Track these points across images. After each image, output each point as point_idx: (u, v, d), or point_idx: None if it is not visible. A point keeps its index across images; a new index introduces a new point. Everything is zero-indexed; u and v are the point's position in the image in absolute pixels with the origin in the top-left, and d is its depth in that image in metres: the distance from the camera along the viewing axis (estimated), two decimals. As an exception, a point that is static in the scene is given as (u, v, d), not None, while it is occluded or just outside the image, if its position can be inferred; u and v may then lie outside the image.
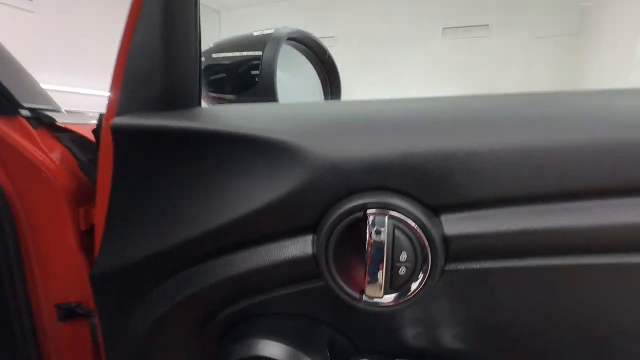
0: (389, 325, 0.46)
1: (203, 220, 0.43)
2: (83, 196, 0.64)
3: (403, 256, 0.36)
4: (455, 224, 0.37)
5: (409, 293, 0.37)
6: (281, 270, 0.43)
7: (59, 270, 0.65)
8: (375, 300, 0.38)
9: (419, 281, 0.37)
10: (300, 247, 0.41)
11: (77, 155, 0.64)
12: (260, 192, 0.41)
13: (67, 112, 0.71)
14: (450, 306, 0.43)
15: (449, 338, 0.45)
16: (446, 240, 0.37)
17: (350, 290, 0.39)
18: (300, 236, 0.42)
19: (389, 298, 0.38)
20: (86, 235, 0.65)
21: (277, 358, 0.42)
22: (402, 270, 0.36)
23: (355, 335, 0.49)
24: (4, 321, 0.65)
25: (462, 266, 0.40)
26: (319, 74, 0.77)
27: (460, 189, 0.36)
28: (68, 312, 0.65)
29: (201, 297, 0.46)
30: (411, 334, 0.46)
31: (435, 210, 0.38)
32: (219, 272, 0.45)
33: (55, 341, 0.66)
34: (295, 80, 0.70)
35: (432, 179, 0.36)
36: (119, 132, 0.45)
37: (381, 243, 0.36)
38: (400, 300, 0.37)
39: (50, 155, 0.60)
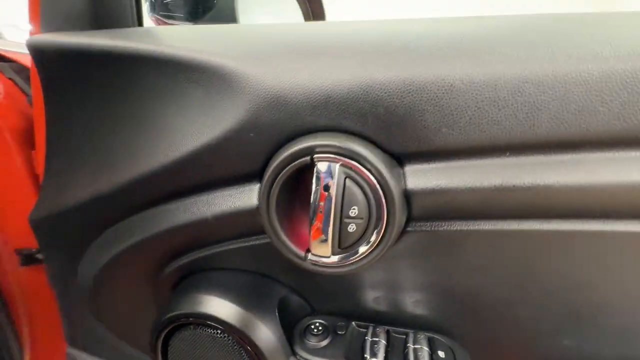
0: (347, 287, 0.42)
1: (137, 163, 0.38)
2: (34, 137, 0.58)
3: (353, 211, 0.30)
4: (421, 177, 0.31)
5: (359, 255, 0.32)
6: (226, 223, 0.38)
7: (17, 215, 0.62)
8: (322, 260, 0.33)
9: (371, 242, 0.31)
10: (245, 197, 0.36)
11: (23, 90, 0.57)
12: (196, 130, 0.34)
13: (10, 42, 0.64)
14: (414, 270, 0.38)
15: (412, 304, 0.41)
16: (408, 195, 0.31)
17: (295, 248, 0.34)
18: (246, 184, 0.36)
19: (336, 259, 0.33)
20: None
21: (217, 316, 0.38)
22: (352, 228, 0.31)
23: (312, 296, 0.45)
24: None
25: (427, 227, 0.34)
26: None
27: (432, 132, 0.29)
28: (28, 258, 0.62)
29: (145, 247, 0.42)
30: (371, 297, 0.42)
31: (399, 158, 0.32)
32: (160, 222, 0.40)
33: (20, 286, 0.65)
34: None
35: (397, 118, 0.29)
36: (37, 52, 0.38)
37: (329, 195, 0.30)
38: (349, 262, 0.32)
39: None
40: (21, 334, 0.64)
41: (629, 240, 0.29)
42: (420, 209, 0.33)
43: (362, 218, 0.30)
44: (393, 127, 0.30)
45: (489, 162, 0.30)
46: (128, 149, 0.38)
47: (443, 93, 0.28)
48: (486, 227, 0.32)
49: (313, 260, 0.33)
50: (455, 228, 0.33)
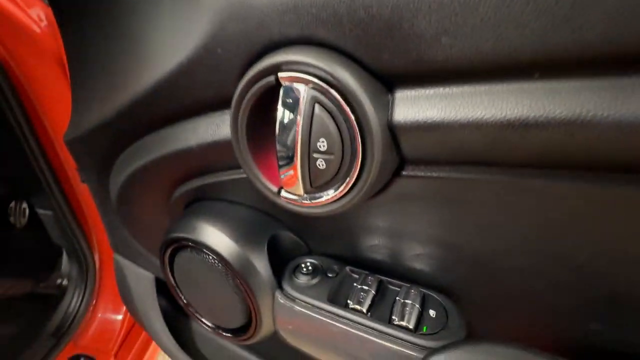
0: (343, 231, 0.39)
1: (128, 86, 0.37)
2: None
3: (322, 145, 0.26)
4: (413, 105, 0.24)
5: (331, 198, 0.28)
6: (211, 153, 0.36)
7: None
8: (295, 198, 0.30)
9: (345, 184, 0.27)
10: (221, 125, 0.33)
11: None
12: (169, 50, 0.31)
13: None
14: (412, 221, 0.33)
15: (410, 256, 0.37)
16: (395, 129, 0.25)
17: (268, 183, 0.31)
18: (225, 111, 0.33)
19: (309, 199, 0.29)
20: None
21: (210, 245, 0.39)
22: (321, 164, 0.26)
23: (307, 235, 0.43)
24: (40, 186, 0.74)
25: (425, 172, 0.28)
26: None
27: (427, 43, 0.22)
28: (86, 176, 0.72)
29: (152, 167, 0.44)
30: (368, 243, 0.39)
31: (389, 82, 0.25)
32: (158, 146, 0.41)
33: (83, 199, 0.76)
34: None
35: (381, 24, 0.22)
36: None
37: (292, 123, 0.26)
38: (321, 203, 0.29)
39: (31, 14, 0.58)
40: (89, 235, 0.77)
41: None
42: (414, 149, 0.26)
43: (332, 153, 0.26)
44: (377, 36, 0.23)
45: (508, 87, 0.21)
46: (120, 72, 0.38)
47: None
48: (499, 177, 0.25)
49: (287, 198, 0.30)
50: (459, 175, 0.26)
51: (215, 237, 0.39)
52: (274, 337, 0.44)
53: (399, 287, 0.38)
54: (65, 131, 0.52)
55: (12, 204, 1.11)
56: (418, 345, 0.32)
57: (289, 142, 0.26)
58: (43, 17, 0.60)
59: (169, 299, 0.67)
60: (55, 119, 0.69)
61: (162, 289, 0.65)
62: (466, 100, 0.22)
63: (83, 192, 0.76)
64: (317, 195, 0.28)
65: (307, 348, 0.41)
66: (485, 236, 0.29)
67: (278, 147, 0.27)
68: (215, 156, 0.36)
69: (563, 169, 0.22)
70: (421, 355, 0.31)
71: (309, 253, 0.45)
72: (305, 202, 0.29)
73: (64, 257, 0.80)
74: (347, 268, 0.41)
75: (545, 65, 0.20)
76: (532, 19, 0.19)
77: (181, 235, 0.41)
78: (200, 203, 0.45)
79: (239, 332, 0.45)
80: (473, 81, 0.22)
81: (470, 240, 0.31)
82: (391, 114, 0.25)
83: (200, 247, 0.40)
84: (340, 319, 0.35)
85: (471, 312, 0.36)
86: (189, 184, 0.44)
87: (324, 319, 0.36)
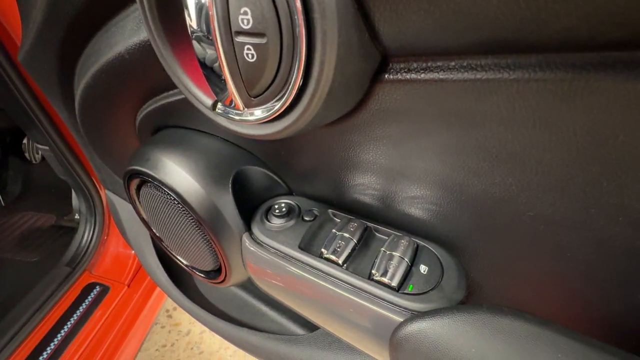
0: (321, 167, 0.31)
1: None
2: None
3: (245, 19, 0.16)
4: None
5: (278, 110, 0.19)
6: (146, 59, 0.28)
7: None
8: (235, 114, 0.22)
9: (291, 85, 0.18)
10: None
11: None
12: None
13: None
14: (401, 148, 0.24)
15: (402, 197, 0.29)
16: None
17: (200, 94, 0.23)
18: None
19: (249, 112, 0.21)
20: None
21: (170, 184, 0.33)
22: (250, 55, 0.18)
23: (283, 172, 0.36)
24: (35, 121, 0.71)
25: (414, 73, 0.18)
26: None
27: None
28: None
29: (104, 76, 0.37)
30: (352, 182, 0.31)
31: None
32: (103, 51, 0.33)
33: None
34: None
35: None
36: None
37: None
38: (265, 117, 0.20)
39: None
40: (94, 176, 0.76)
41: None
42: (398, 31, 0.17)
43: (263, 34, 0.17)
44: None
45: None
46: None
47: None
48: (514, 74, 0.15)
49: (223, 113, 0.22)
50: (462, 76, 0.17)
51: (176, 175, 0.33)
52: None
53: (387, 236, 0.30)
54: (18, 50, 0.46)
55: (25, 140, 1.14)
56: (399, 306, 0.25)
57: (203, 25, 0.18)
58: None
59: None
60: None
61: None
62: None
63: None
64: (260, 108, 0.20)
65: (280, 298, 0.36)
66: (496, 169, 0.20)
67: (192, 32, 0.18)
68: (151, 66, 0.28)
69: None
70: (401, 319, 0.25)
71: (290, 194, 0.38)
72: (247, 118, 0.21)
73: (72, 193, 0.81)
74: (329, 211, 0.34)
75: None
76: None
77: (139, 168, 0.36)
78: (164, 131, 0.39)
79: (212, 275, 0.41)
80: None
81: (477, 175, 0.22)
82: None
83: (159, 184, 0.35)
84: (311, 270, 0.29)
85: (478, 270, 0.28)
86: (151, 102, 0.37)
87: (294, 268, 0.30)
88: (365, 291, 0.27)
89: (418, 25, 0.16)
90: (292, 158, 0.33)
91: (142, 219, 0.44)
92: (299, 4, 0.15)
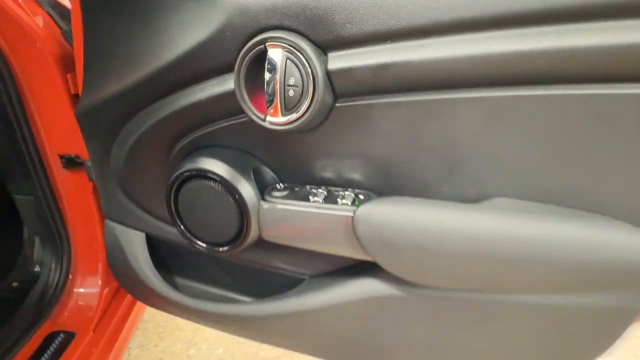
0: (303, 159, 0.60)
1: (147, 61, 0.54)
2: (68, 63, 0.75)
3: (292, 80, 0.47)
4: (337, 60, 0.47)
5: (299, 114, 0.49)
6: (213, 105, 0.55)
7: (58, 126, 0.80)
8: (275, 120, 0.50)
9: (306, 104, 0.48)
10: (225, 83, 0.53)
11: (58, 23, 0.73)
12: (188, 33, 0.51)
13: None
14: (347, 141, 0.55)
15: (349, 169, 0.58)
16: (329, 74, 0.48)
17: (257, 112, 0.51)
18: (225, 75, 0.53)
19: (284, 118, 0.50)
20: (76, 99, 0.78)
21: (213, 170, 0.56)
22: (291, 93, 0.47)
23: (278, 167, 0.62)
24: (23, 171, 0.82)
25: (351, 102, 0.50)
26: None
27: (340, 27, 0.45)
28: (69, 161, 0.81)
29: (158, 130, 0.60)
30: (320, 166, 0.59)
31: (323, 48, 0.48)
32: (167, 108, 0.58)
33: (62, 183, 0.84)
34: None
35: (317, 18, 0.45)
36: None
37: (274, 68, 0.47)
38: (293, 119, 0.49)
39: (36, 20, 0.70)
40: (66, 217, 0.84)
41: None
42: (342, 87, 0.49)
43: (297, 86, 0.47)
44: (316, 24, 0.45)
45: (388, 47, 0.45)
46: (141, 49, 0.55)
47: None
48: (398, 99, 0.48)
49: (270, 121, 0.50)
50: (372, 102, 0.49)
51: (215, 164, 0.57)
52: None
53: (340, 190, 0.59)
54: (77, 106, 0.64)
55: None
56: (353, 210, 0.53)
57: (272, 83, 0.47)
58: (42, 21, 0.73)
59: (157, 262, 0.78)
60: (49, 116, 0.79)
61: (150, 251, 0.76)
62: (365, 55, 0.46)
63: (63, 178, 0.84)
64: (289, 115, 0.49)
65: (286, 237, 0.59)
66: (395, 150, 0.52)
67: (266, 85, 0.48)
68: (217, 106, 0.54)
69: (433, 90, 0.47)
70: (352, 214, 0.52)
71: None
72: (283, 121, 0.49)
73: (37, 243, 0.84)
74: (307, 186, 0.61)
75: (396, 34, 0.44)
76: (379, 14, 0.43)
77: (188, 168, 0.58)
78: (196, 151, 0.62)
79: (230, 243, 0.61)
80: (369, 44, 0.45)
81: (387, 154, 0.53)
82: (326, 65, 0.47)
83: (203, 173, 0.57)
84: (306, 207, 0.55)
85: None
86: (189, 136, 0.61)
87: (296, 208, 0.55)
88: (336, 209, 0.54)
89: (350, 87, 0.49)
90: (283, 157, 0.60)
91: (173, 218, 0.62)
92: (311, 78, 0.46)
